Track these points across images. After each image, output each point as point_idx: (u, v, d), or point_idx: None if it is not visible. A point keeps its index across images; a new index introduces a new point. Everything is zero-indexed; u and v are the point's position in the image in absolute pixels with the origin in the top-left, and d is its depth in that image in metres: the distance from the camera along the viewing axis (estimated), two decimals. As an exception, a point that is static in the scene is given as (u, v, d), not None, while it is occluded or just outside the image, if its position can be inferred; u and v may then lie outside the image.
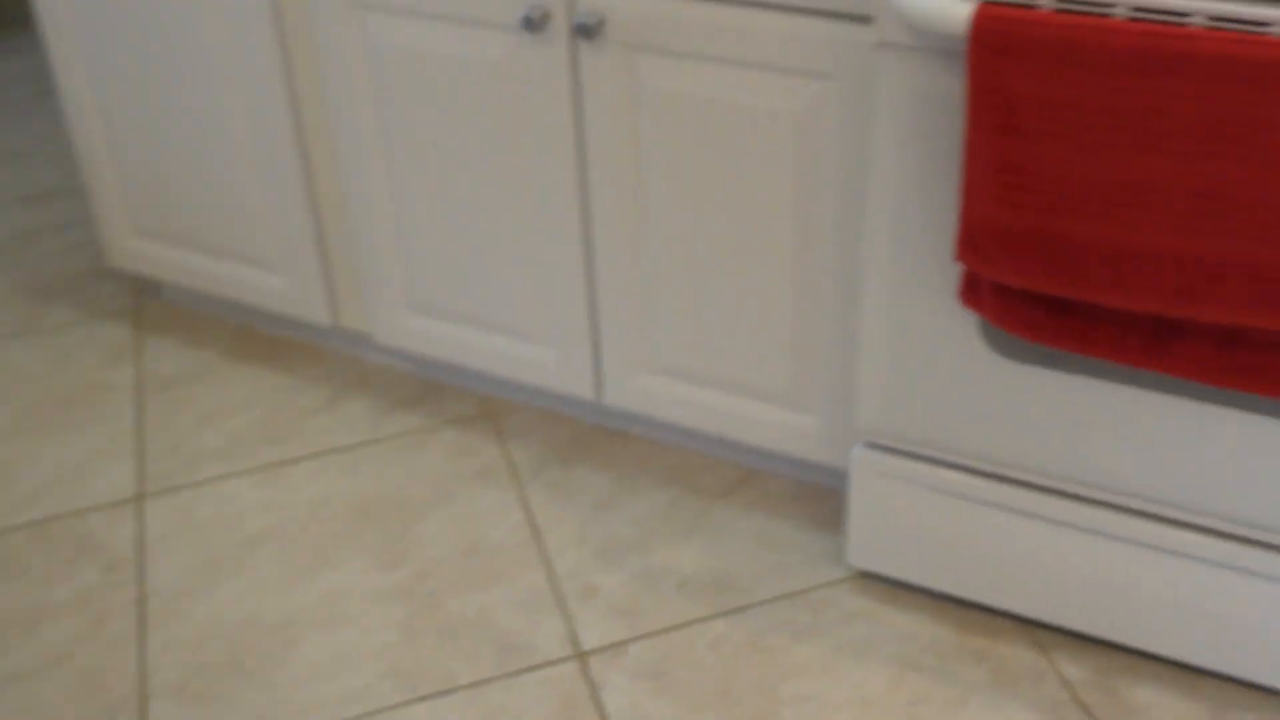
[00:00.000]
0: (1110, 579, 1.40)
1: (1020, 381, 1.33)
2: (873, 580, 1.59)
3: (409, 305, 1.79)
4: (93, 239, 2.36)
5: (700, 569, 1.61)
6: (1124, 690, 1.43)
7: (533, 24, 1.44)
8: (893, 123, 1.24)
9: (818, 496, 1.72)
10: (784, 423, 1.60)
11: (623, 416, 1.84)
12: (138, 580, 1.64)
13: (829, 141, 1.37)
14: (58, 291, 2.21)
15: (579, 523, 1.69)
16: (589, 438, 1.84)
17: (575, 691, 1.46)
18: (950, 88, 1.20)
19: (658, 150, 1.47)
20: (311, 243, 1.80)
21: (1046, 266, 1.18)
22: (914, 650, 1.49)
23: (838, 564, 1.61)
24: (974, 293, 1.28)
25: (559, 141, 1.52)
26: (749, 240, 1.48)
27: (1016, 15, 1.09)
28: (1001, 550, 1.45)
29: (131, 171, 1.92)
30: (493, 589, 1.59)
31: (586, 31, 1.41)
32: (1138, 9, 1.10)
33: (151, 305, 2.17)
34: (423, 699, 1.47)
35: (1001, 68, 1.11)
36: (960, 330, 1.33)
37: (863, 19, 1.30)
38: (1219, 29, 1.07)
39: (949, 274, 1.30)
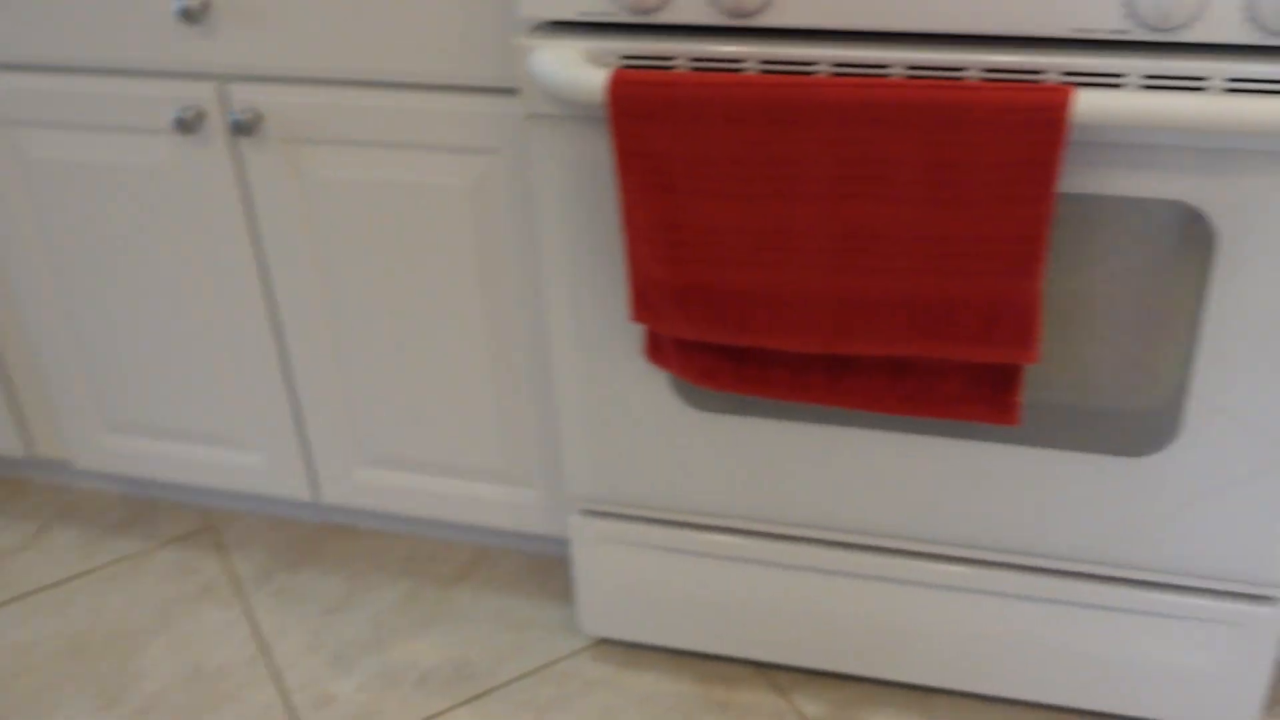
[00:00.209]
0: (837, 613, 1.42)
1: (718, 431, 1.34)
2: (611, 646, 1.57)
3: (106, 425, 1.70)
4: None
5: (440, 660, 1.57)
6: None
7: (186, 125, 1.39)
8: (553, 191, 1.24)
9: (551, 569, 1.70)
10: (505, 499, 1.58)
11: (347, 512, 1.78)
12: None
13: (503, 214, 1.37)
14: None
15: (311, 630, 1.62)
16: (316, 539, 1.78)
17: (311, 810, 1.40)
18: (601, 153, 1.20)
19: (337, 238, 1.44)
20: (-10, 373, 1.70)
21: (714, 318, 1.19)
22: (658, 710, 1.48)
23: (575, 635, 1.59)
24: (657, 349, 1.29)
25: (234, 240, 1.48)
26: (440, 319, 1.46)
27: (651, 79, 1.10)
28: (728, 599, 1.45)
29: None
30: (221, 713, 1.51)
31: (244, 129, 1.37)
32: (766, 62, 1.12)
33: None
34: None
35: (643, 131, 1.12)
36: (652, 388, 1.33)
37: (513, 92, 1.30)
38: (843, 74, 1.11)
39: (632, 333, 1.30)
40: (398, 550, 1.75)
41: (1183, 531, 1.27)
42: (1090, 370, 1.20)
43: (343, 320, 1.50)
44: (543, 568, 1.70)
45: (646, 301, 1.22)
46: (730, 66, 1.14)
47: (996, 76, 1.08)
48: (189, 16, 1.32)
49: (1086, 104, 1.02)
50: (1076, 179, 1.10)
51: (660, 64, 1.15)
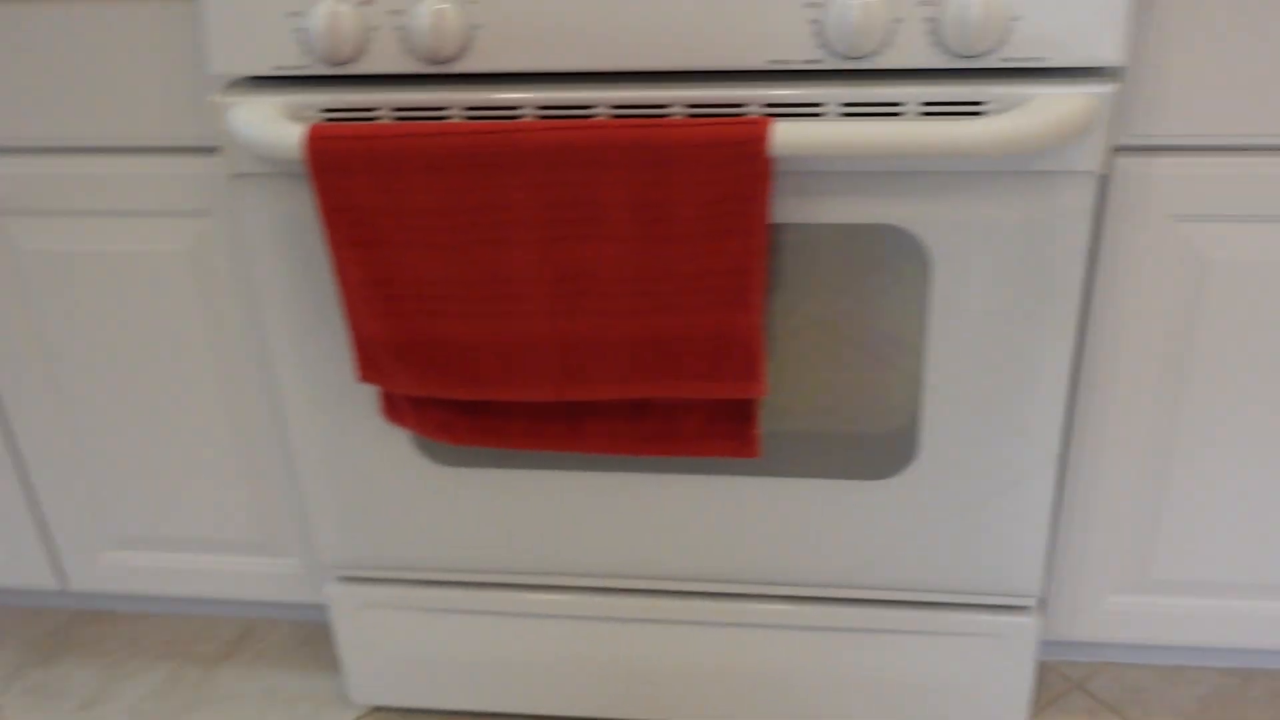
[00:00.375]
0: (607, 659, 1.39)
1: (467, 485, 1.30)
2: (386, 713, 1.51)
3: None
4: None
5: (206, 745, 1.49)
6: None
7: (-128, 204, 1.29)
8: (267, 251, 1.19)
9: (322, 638, 1.64)
10: (265, 570, 1.51)
11: (101, 598, 1.69)
12: None
13: (225, 277, 1.31)
14: None
15: (64, 727, 1.52)
16: (70, 628, 1.68)
17: None
18: (310, 209, 1.16)
19: (57, 312, 1.35)
20: None
21: (438, 373, 1.15)
22: (435, 778, 1.43)
23: (348, 706, 1.53)
24: (393, 407, 1.24)
25: (-59, 323, 1.38)
26: (175, 389, 1.39)
27: (348, 132, 1.06)
28: (498, 654, 1.41)
29: None
30: (-37, 829, 1.41)
31: (-63, 203, 1.29)
32: (470, 108, 1.09)
33: None
34: None
35: (345, 185, 1.07)
36: (394, 445, 1.29)
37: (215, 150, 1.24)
38: (549, 117, 1.09)
39: (367, 392, 1.25)
40: (159, 633, 1.66)
41: (932, 549, 1.27)
42: (827, 397, 1.20)
43: (71, 398, 1.41)
44: (314, 637, 1.63)
45: (370, 360, 1.17)
46: (434, 115, 1.10)
47: (701, 111, 1.07)
48: None
49: (784, 135, 1.02)
50: (792, 208, 1.10)
51: (363, 115, 1.11)
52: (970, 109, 1.04)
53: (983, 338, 1.14)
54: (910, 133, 1.00)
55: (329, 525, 1.35)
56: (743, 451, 1.19)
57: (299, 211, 1.16)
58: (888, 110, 1.05)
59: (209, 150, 1.25)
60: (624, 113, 1.08)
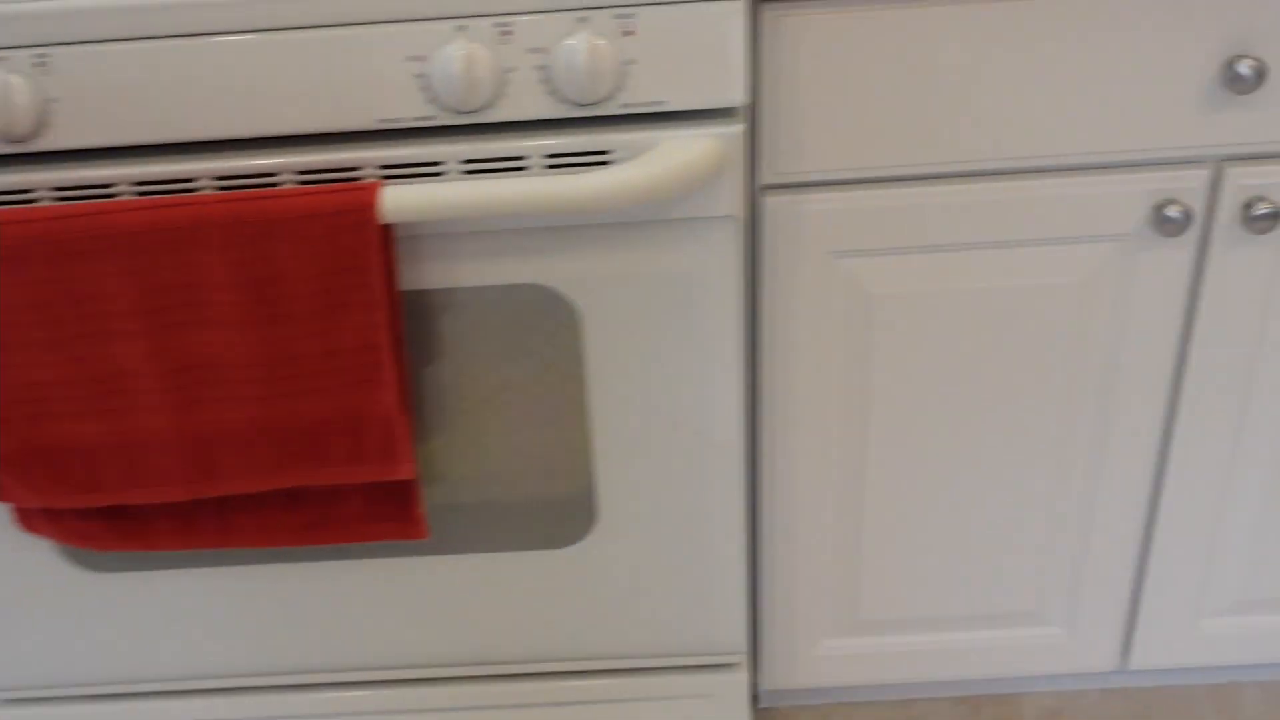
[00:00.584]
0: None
1: (125, 591, 1.19)
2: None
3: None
4: None
5: None
6: None
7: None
8: None
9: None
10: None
11: None
12: None
13: None
14: None
15: None
16: None
17: None
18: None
19: None
20: None
21: (57, 481, 1.04)
22: None
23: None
24: (27, 517, 1.13)
25: None
26: None
27: (-86, 223, 0.95)
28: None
29: None
30: None
31: None
32: (59, 189, 0.99)
33: None
34: None
35: (-84, 283, 0.96)
36: (38, 555, 1.17)
37: None
38: (147, 193, 0.99)
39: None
40: None
41: (630, 614, 1.21)
42: (498, 465, 1.13)
43: None
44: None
45: (-21, 472, 1.06)
46: (22, 199, 1.00)
47: (313, 178, 0.99)
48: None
49: (394, 200, 0.94)
50: (428, 273, 1.03)
51: (-62, 203, 1.00)
52: (597, 159, 0.98)
53: (645, 394, 1.09)
54: (526, 189, 0.94)
55: (-25, 649, 1.23)
56: (408, 533, 1.11)
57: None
58: (512, 165, 0.99)
59: None
60: (230, 184, 0.99)
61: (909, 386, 1.16)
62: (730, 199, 1.00)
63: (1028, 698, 1.44)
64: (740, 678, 1.27)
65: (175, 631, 1.22)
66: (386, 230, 0.97)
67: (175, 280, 0.96)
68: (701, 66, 0.96)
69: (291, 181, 0.99)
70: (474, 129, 1.00)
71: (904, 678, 1.35)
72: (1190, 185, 1.08)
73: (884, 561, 1.27)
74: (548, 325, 1.06)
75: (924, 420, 1.18)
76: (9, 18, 0.93)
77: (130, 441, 1.03)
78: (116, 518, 1.10)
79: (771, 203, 1.08)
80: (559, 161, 0.99)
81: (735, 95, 0.97)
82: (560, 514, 1.16)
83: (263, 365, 1.00)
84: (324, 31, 0.94)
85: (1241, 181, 1.07)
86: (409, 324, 1.05)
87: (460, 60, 0.93)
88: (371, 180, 0.98)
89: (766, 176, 1.07)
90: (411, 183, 0.98)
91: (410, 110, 0.97)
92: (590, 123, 0.99)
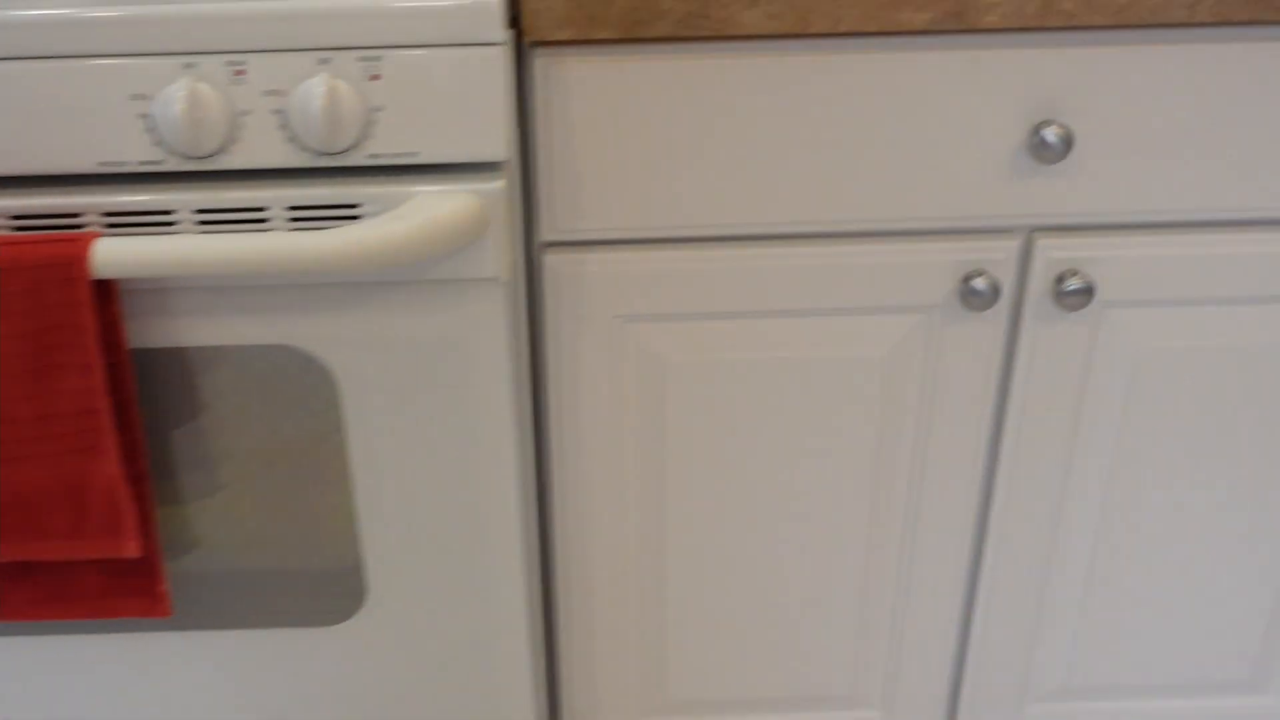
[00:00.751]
0: None
1: None
2: None
3: None
4: None
5: None
6: None
7: None
8: None
9: None
10: None
11: None
12: None
13: None
14: None
15: None
16: None
17: None
18: None
19: None
20: None
21: None
22: None
23: None
24: None
25: None
26: None
27: None
28: None
29: None
30: None
31: None
32: None
33: None
34: None
35: None
36: None
37: None
38: None
39: None
40: None
41: (411, 697, 1.12)
42: (256, 536, 1.03)
43: None
44: None
45: None
46: None
47: (29, 224, 0.89)
48: None
49: (108, 255, 0.85)
50: (161, 330, 0.94)
51: None
52: (346, 212, 0.90)
53: (412, 463, 1.00)
54: (253, 246, 0.85)
55: None
56: (152, 610, 1.02)
57: None
58: (252, 217, 0.90)
59: None
60: (-65, 228, 0.89)
61: (709, 459, 1.09)
62: (495, 260, 0.92)
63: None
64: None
65: (-95, 708, 1.11)
66: (104, 286, 0.88)
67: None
68: (457, 116, 0.87)
69: (5, 228, 0.89)
70: (209, 176, 0.91)
71: (716, 759, 1.27)
72: (999, 257, 1.01)
73: (690, 638, 1.19)
74: (302, 389, 0.97)
75: (726, 494, 1.11)
76: None
77: None
78: None
79: (552, 261, 1.00)
80: (304, 214, 0.90)
81: (495, 149, 0.89)
82: (327, 589, 1.07)
83: (-32, 430, 0.90)
84: (38, 64, 0.85)
85: (1052, 254, 1.01)
86: (148, 385, 0.96)
87: (182, 100, 0.84)
88: (89, 231, 0.88)
89: (546, 233, 0.99)
90: (139, 233, 0.88)
91: (135, 153, 0.88)
92: (337, 173, 0.90)
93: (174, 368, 0.96)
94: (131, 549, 0.95)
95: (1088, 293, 1.01)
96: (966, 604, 1.20)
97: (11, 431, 0.90)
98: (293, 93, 0.86)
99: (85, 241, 0.85)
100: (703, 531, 1.13)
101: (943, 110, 0.94)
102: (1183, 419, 1.08)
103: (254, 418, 0.98)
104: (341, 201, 0.89)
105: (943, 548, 1.15)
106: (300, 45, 0.85)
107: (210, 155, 0.88)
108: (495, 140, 0.89)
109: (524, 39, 0.91)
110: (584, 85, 0.93)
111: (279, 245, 0.85)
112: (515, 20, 0.91)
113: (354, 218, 0.90)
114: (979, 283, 1.00)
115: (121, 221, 0.90)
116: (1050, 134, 0.94)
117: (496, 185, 0.90)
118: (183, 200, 0.89)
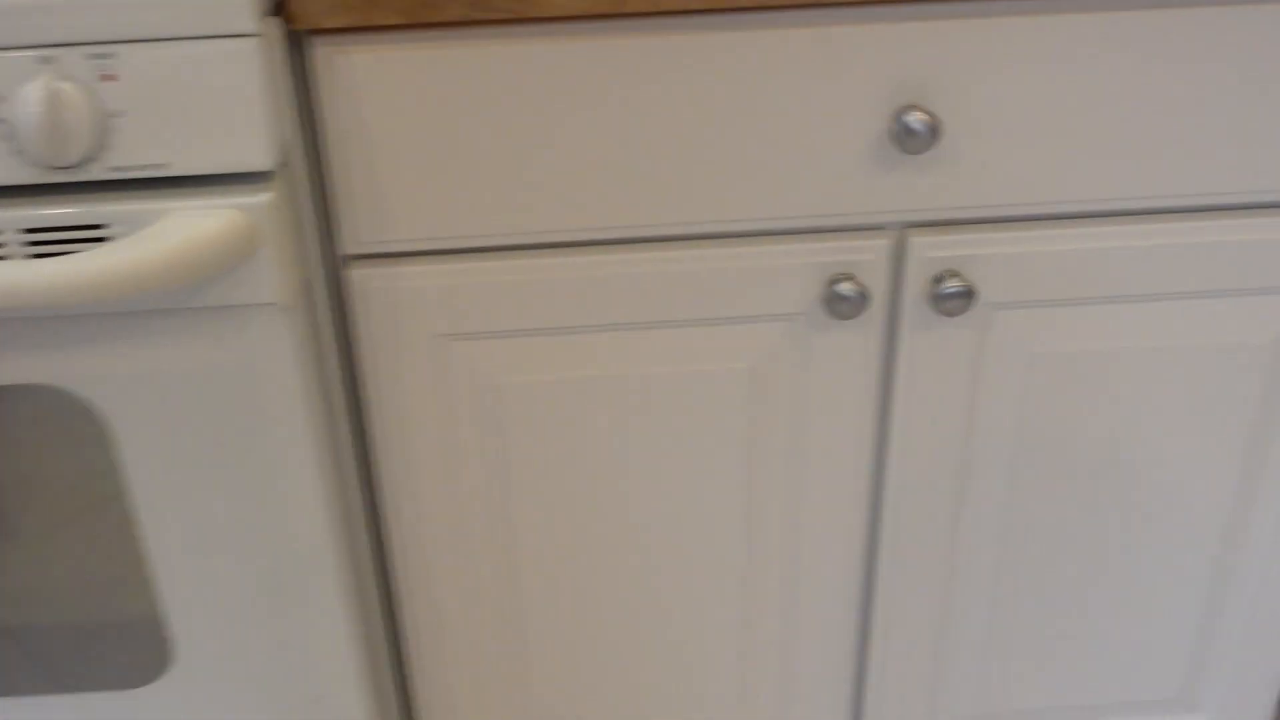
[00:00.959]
0: None
1: None
2: None
3: None
4: None
5: None
6: None
7: None
8: None
9: None
10: None
11: None
12: None
13: None
14: None
15: None
16: None
17: None
18: None
19: None
20: None
21: None
22: None
23: None
24: None
25: None
26: None
27: None
28: None
29: None
30: None
31: None
32: None
33: None
34: None
35: None
36: None
37: None
38: None
39: None
40: None
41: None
42: (37, 595, 0.91)
43: None
44: None
45: None
46: None
47: None
48: None
49: None
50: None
51: None
52: (92, 233, 0.77)
53: (202, 506, 0.88)
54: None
55: None
56: (-79, 680, 0.90)
57: None
58: (-16, 241, 0.77)
59: None
60: None
61: (560, 484, 0.97)
62: (272, 282, 0.80)
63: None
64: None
65: None
66: None
67: None
68: (212, 120, 0.75)
69: None
70: (-72, 195, 0.78)
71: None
72: (869, 257, 0.89)
73: (554, 670, 1.08)
74: (69, 432, 0.85)
75: (583, 520, 0.99)
76: None
77: None
78: None
79: (359, 276, 0.88)
80: (45, 236, 0.77)
81: (260, 157, 0.76)
82: (128, 648, 0.95)
83: None
84: None
85: (927, 253, 0.89)
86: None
87: (-125, 112, 0.71)
88: None
89: (349, 245, 0.87)
90: None
91: None
92: (77, 189, 0.78)
93: (-78, 411, 0.84)
94: None
95: (968, 295, 0.89)
96: (861, 632, 1.09)
97: None
98: (11, 97, 0.73)
99: None
100: (561, 559, 1.02)
101: (791, 96, 0.82)
102: (1082, 426, 0.97)
103: (21, 465, 0.86)
104: (84, 222, 0.77)
105: (830, 575, 1.04)
106: (15, 42, 0.72)
107: (-77, 172, 0.75)
108: (259, 147, 0.76)
109: (295, 28, 0.78)
110: (372, 79, 0.80)
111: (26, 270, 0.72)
112: (281, 7, 0.78)
113: (101, 239, 0.78)
114: (845, 288, 0.88)
115: None
116: (914, 120, 0.82)
117: (264, 198, 0.77)
118: (-101, 224, 0.77)
